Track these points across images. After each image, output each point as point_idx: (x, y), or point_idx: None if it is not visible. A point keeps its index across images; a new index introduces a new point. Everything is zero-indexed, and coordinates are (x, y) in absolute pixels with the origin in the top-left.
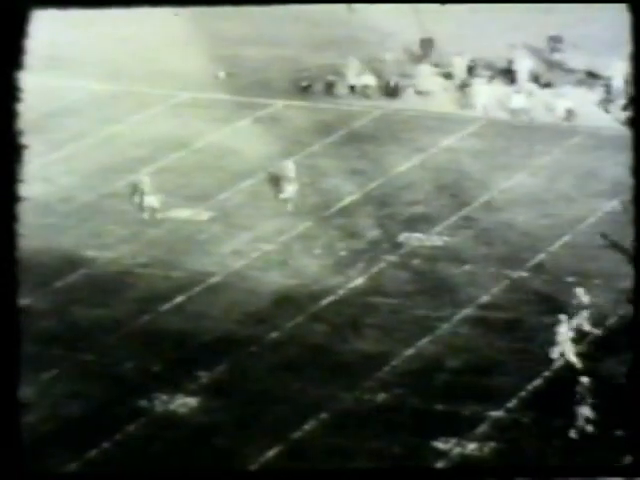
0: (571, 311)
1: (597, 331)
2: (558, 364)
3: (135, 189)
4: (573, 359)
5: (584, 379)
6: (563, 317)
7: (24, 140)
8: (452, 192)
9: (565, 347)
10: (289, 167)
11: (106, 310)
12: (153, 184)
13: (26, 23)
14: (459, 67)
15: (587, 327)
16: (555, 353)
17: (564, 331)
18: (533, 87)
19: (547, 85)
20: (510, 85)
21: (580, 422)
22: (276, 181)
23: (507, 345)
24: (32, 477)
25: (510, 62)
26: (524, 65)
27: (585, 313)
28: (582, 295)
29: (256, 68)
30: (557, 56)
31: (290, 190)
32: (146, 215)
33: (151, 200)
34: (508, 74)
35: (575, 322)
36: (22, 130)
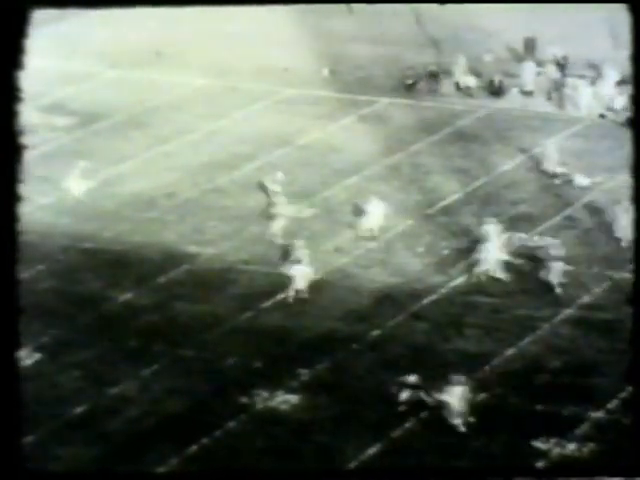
0: None
1: None
2: None
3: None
4: None
5: None
6: None
7: (126, 135)
8: (555, 192)
9: None
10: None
11: (208, 306)
12: (253, 182)
13: (26, 23)
14: (560, 67)
15: None
16: None
17: None
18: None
19: None
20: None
21: None
22: None
23: (608, 346)
24: (32, 477)
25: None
26: (612, 71)
27: None
28: None
29: (361, 65)
30: None
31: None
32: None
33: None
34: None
35: None
36: (22, 130)
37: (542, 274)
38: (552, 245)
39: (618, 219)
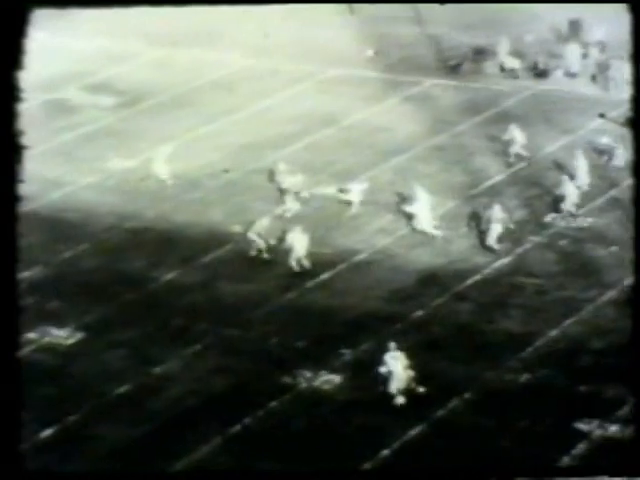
0: None
1: None
2: None
3: (272, 174)
4: None
5: None
6: None
7: (171, 115)
8: (599, 173)
9: None
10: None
11: (252, 286)
12: (298, 162)
13: (26, 23)
14: (601, 50)
15: None
16: None
17: None
18: None
19: None
20: None
21: None
22: None
23: None
24: (32, 477)
25: None
26: None
27: None
28: None
29: (405, 46)
30: None
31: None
32: (289, 198)
33: (293, 181)
34: None
35: None
36: (22, 130)
37: (487, 240)
38: (495, 209)
39: None
